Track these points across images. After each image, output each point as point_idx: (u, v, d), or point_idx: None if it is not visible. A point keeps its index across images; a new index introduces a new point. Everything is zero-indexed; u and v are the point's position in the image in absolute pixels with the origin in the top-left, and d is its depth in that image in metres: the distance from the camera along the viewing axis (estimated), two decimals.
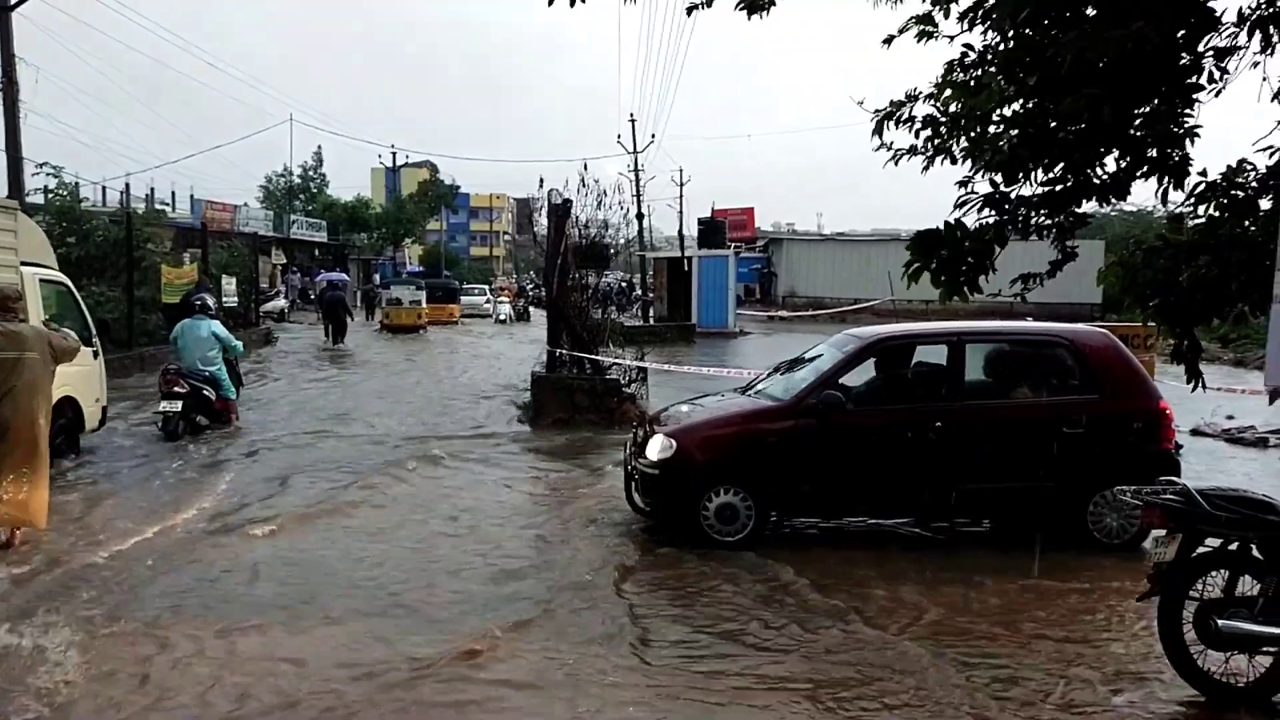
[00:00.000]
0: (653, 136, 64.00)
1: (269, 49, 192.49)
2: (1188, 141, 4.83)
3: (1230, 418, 14.11)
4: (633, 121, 45.84)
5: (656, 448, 8.02)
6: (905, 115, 5.45)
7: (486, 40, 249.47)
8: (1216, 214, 4.92)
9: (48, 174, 21.34)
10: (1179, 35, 4.64)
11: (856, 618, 6.23)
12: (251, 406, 14.53)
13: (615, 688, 5.11)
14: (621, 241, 18.61)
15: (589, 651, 5.57)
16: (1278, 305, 4.30)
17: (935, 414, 7.91)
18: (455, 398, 16.58)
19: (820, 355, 8.74)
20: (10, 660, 5.29)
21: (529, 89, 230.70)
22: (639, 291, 44.39)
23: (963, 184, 5.51)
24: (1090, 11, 4.85)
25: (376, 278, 50.67)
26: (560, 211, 14.42)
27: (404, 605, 6.33)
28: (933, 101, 5.39)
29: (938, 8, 5.41)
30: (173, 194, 41.60)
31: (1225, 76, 4.73)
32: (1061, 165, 5.24)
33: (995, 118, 5.30)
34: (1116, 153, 5.11)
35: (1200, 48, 4.71)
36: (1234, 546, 5.01)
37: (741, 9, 5.92)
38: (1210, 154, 5.00)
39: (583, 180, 14.71)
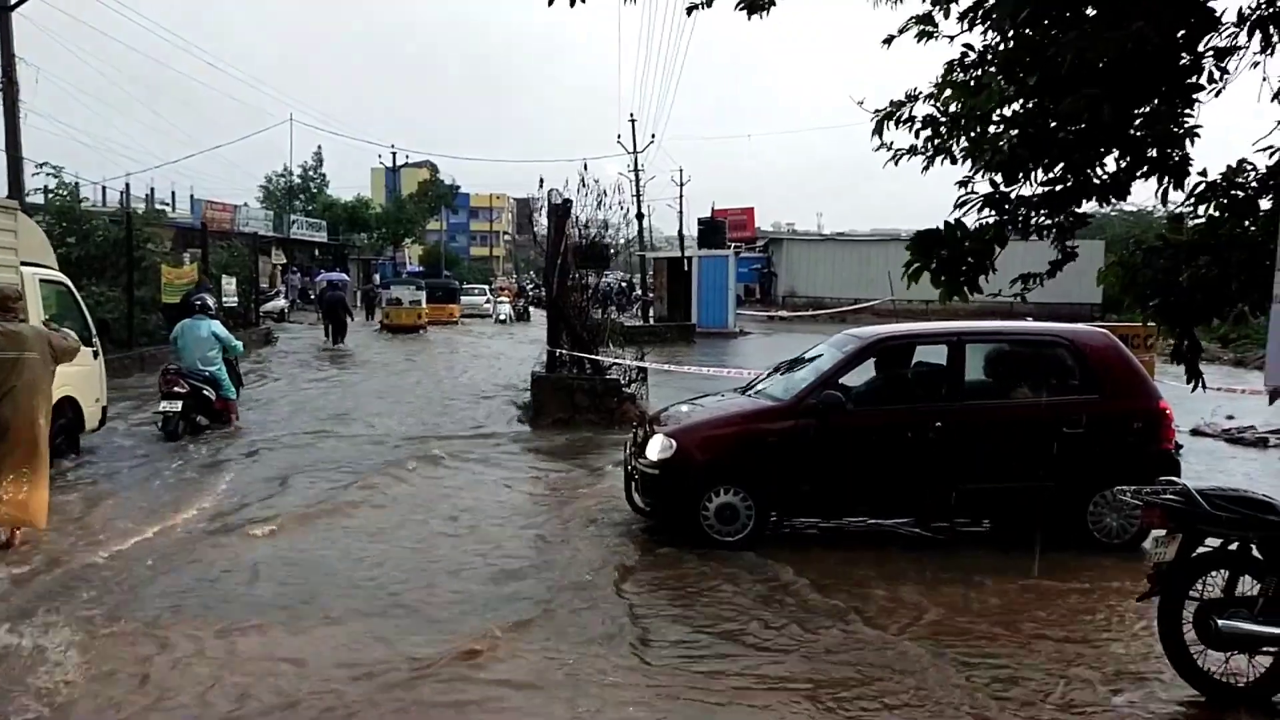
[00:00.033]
0: (653, 136, 64.19)
1: (269, 49, 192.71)
2: (1188, 141, 4.83)
3: (1230, 418, 14.11)
4: (633, 121, 45.90)
5: (656, 448, 8.02)
6: (905, 115, 5.45)
7: (486, 40, 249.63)
8: (1216, 214, 4.93)
9: (48, 174, 21.39)
10: (1179, 35, 4.64)
11: (856, 618, 6.23)
12: (251, 406, 14.54)
13: (615, 688, 5.11)
14: (621, 241, 18.62)
15: (589, 651, 5.57)
16: (1278, 305, 4.30)
17: (935, 414, 7.91)
18: (455, 398, 16.59)
19: (820, 355, 8.74)
20: (10, 660, 5.29)
21: (529, 89, 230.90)
22: (639, 291, 44.42)
23: (963, 184, 5.51)
24: (1090, 12, 4.85)
25: (376, 278, 50.67)
26: (560, 211, 14.43)
27: (404, 605, 6.33)
28: (933, 102, 5.39)
29: (938, 8, 5.41)
30: (173, 194, 41.67)
31: (1225, 76, 4.73)
32: (1061, 165, 5.24)
33: (995, 118, 5.30)
34: (1116, 153, 5.11)
35: (1200, 48, 4.72)
36: (1234, 546, 5.01)
37: (741, 9, 5.92)
38: (1211, 154, 5.00)
39: (582, 180, 14.74)
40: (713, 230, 41.47)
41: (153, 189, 38.95)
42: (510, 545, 7.81)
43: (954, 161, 5.41)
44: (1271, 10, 4.58)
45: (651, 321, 35.25)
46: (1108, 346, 8.25)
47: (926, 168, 5.49)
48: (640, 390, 14.26)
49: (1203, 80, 4.75)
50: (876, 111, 5.50)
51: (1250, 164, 4.87)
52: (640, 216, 43.52)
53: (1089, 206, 5.57)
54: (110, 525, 8.06)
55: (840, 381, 8.12)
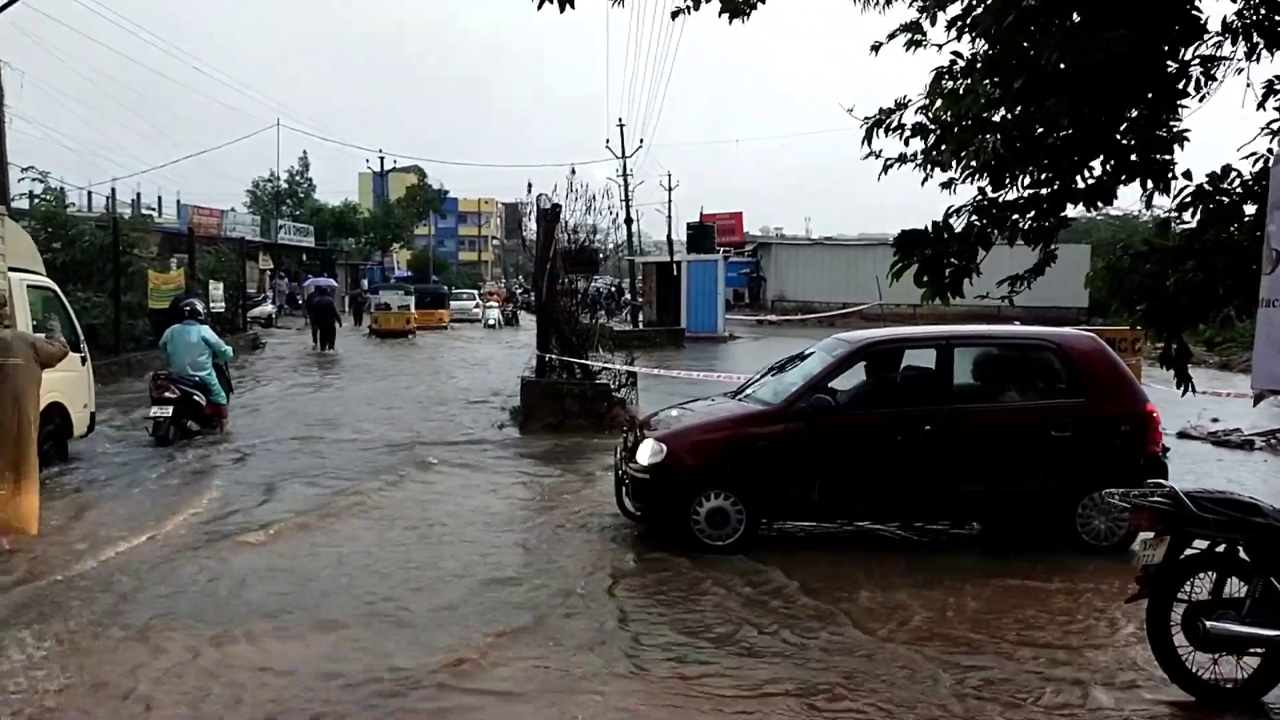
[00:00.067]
0: (641, 141, 63.87)
1: (256, 54, 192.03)
2: (1177, 146, 4.88)
3: (1215, 420, 14.20)
4: (621, 126, 45.60)
5: (647, 452, 8.03)
6: (895, 123, 5.49)
7: (474, 45, 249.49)
8: (1202, 220, 4.98)
9: (33, 179, 21.26)
10: (1164, 43, 4.69)
11: (847, 621, 6.25)
12: (241, 412, 14.48)
13: (606, 695, 5.10)
14: (610, 246, 18.65)
15: (580, 658, 5.56)
16: (1263, 309, 4.34)
17: (924, 417, 7.94)
18: (444, 403, 16.56)
19: (809, 359, 8.78)
20: None
21: (517, 94, 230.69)
22: (628, 296, 44.39)
23: (946, 185, 5.55)
24: (1075, 19, 4.90)
25: (364, 283, 50.57)
26: (549, 216, 14.44)
27: (393, 613, 6.29)
28: (925, 113, 5.43)
29: (925, 15, 5.46)
30: (159, 199, 41.55)
31: (1211, 84, 4.79)
32: (1047, 170, 5.29)
33: (983, 121, 5.35)
34: (1101, 158, 5.16)
35: (1187, 56, 4.77)
36: (1221, 548, 5.05)
37: (723, 14, 5.97)
38: (1198, 158, 5.05)
39: (571, 185, 14.76)
40: (701, 235, 41.49)
41: (139, 194, 38.91)
42: (500, 551, 7.80)
43: (944, 169, 5.45)
44: (1255, 18, 4.63)
45: (641, 326, 35.22)
46: (1095, 350, 8.30)
47: (925, 180, 5.53)
48: (630, 395, 14.26)
49: (1189, 88, 4.80)
50: (866, 119, 5.53)
51: (1235, 169, 4.92)
52: (629, 221, 43.45)
53: (1074, 211, 5.62)
54: (99, 532, 8.00)
55: (830, 385, 8.13)
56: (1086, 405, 7.97)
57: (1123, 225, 43.40)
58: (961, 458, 7.87)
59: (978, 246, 5.44)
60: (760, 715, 4.91)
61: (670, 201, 51.20)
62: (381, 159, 63.20)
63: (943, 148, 5.36)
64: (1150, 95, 4.86)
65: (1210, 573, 5.08)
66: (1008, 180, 5.37)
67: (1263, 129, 4.92)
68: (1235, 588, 5.02)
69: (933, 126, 5.42)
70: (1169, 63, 4.76)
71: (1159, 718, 5.01)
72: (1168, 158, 5.00)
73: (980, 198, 5.40)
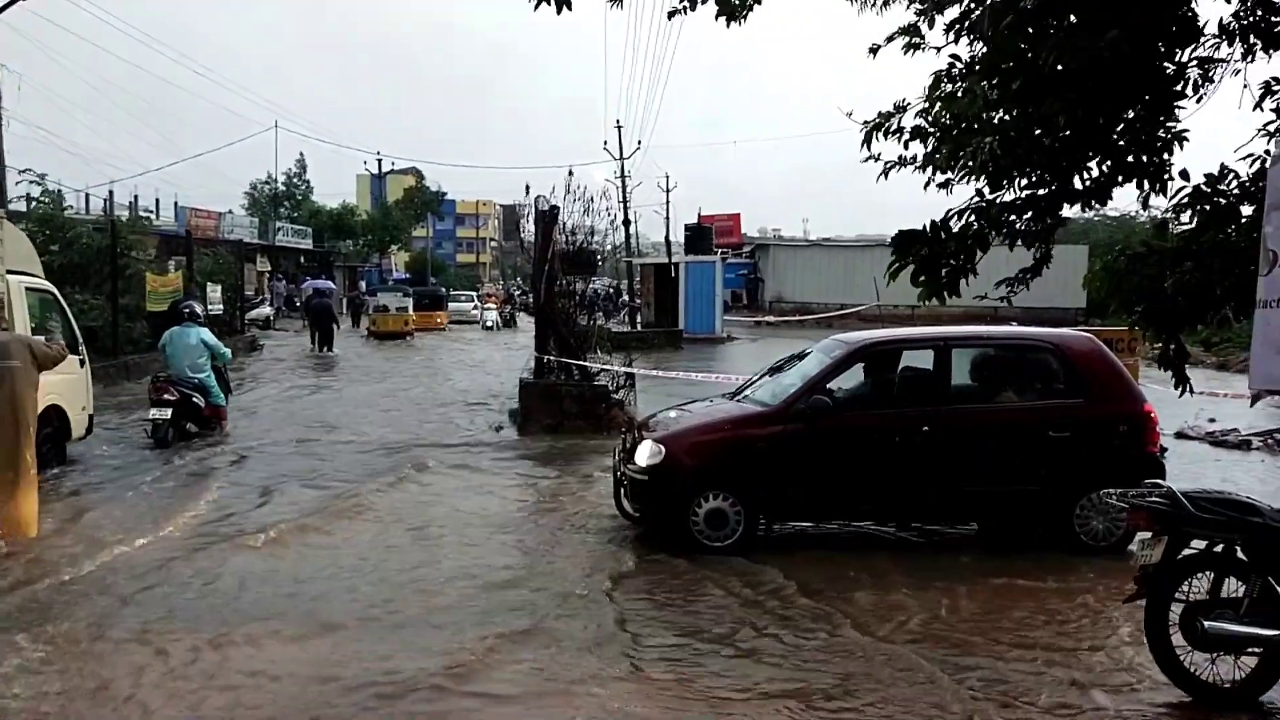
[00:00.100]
0: (639, 143, 64.14)
1: (255, 56, 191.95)
2: (1177, 146, 4.89)
3: (1212, 420, 14.23)
4: (619, 128, 45.59)
5: (645, 453, 8.03)
6: (894, 126, 5.50)
7: (472, 47, 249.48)
8: (1200, 221, 4.99)
9: (31, 181, 21.25)
10: (1160, 45, 4.71)
11: (845, 621, 6.25)
12: (239, 414, 14.47)
13: (604, 697, 5.09)
14: (608, 248, 18.66)
15: (579, 660, 5.56)
16: (1261, 309, 4.35)
17: (922, 418, 7.95)
18: (443, 405, 16.56)
19: (808, 360, 8.79)
20: None
21: (515, 96, 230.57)
22: (626, 298, 44.40)
23: (944, 186, 5.57)
24: (1073, 20, 4.91)
25: (362, 285, 50.57)
26: (547, 218, 14.45)
27: (391, 616, 6.28)
28: (924, 116, 5.45)
29: (923, 19, 5.47)
30: (156, 201, 41.43)
31: (1209, 85, 4.80)
32: (1045, 171, 5.30)
33: (980, 124, 5.36)
34: (1098, 158, 5.18)
35: (1184, 57, 4.78)
36: (1219, 548, 5.06)
37: (719, 16, 5.99)
38: (1195, 159, 5.06)
39: (568, 187, 14.77)
40: (699, 236, 41.53)
41: (136, 196, 38.78)
42: (499, 553, 7.80)
43: (942, 171, 5.46)
44: (1252, 20, 4.65)
45: (639, 327, 35.24)
46: (1092, 351, 8.31)
47: (928, 184, 5.54)
48: (628, 396, 14.27)
49: (1187, 89, 4.81)
50: (865, 123, 5.55)
51: (1232, 171, 4.94)
52: (627, 223, 43.48)
53: (1071, 212, 5.64)
54: (97, 535, 7.99)
55: (828, 386, 8.14)
56: (1084, 406, 7.98)
57: (1120, 226, 43.49)
58: (960, 458, 7.88)
59: (975, 247, 5.46)
60: (758, 716, 4.91)
61: (668, 203, 51.25)
62: (379, 161, 63.22)
63: (941, 150, 5.37)
64: (1147, 96, 4.87)
65: (1208, 573, 5.10)
66: (1005, 181, 5.38)
67: (1260, 130, 4.93)
68: (1233, 587, 5.03)
69: (932, 129, 5.44)
70: (1166, 64, 4.78)
71: (1157, 718, 5.02)
72: (1165, 159, 5.02)
73: (978, 199, 5.41)
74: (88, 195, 37.82)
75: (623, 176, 44.52)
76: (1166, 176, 5.04)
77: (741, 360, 23.41)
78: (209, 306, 22.07)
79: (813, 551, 7.95)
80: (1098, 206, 5.54)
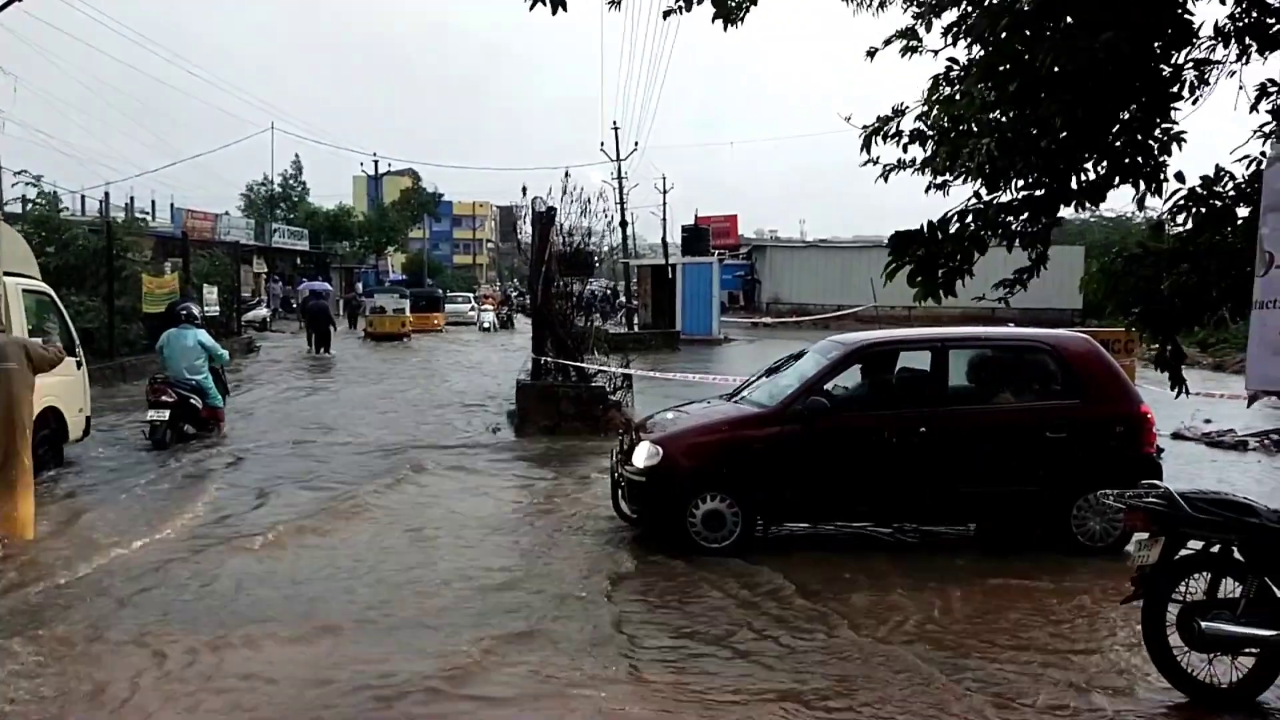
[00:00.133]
0: (635, 144, 63.94)
1: (250, 57, 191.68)
2: (1174, 147, 4.90)
3: (1209, 421, 14.25)
4: (616, 129, 45.66)
5: (643, 455, 8.03)
6: (893, 130, 5.51)
7: (468, 48, 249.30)
8: (1196, 223, 5.00)
9: (26, 183, 21.24)
10: (1156, 46, 4.72)
11: (843, 622, 6.26)
12: (236, 416, 14.46)
13: (601, 699, 5.09)
14: (605, 249, 18.65)
15: (576, 662, 5.55)
16: (1257, 310, 4.36)
17: (919, 419, 7.96)
18: (440, 406, 16.56)
19: (805, 361, 8.79)
20: None
21: (512, 97, 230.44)
22: (623, 299, 44.41)
23: (940, 188, 5.58)
24: (1069, 22, 4.92)
25: (359, 286, 50.54)
26: (544, 219, 14.46)
27: (388, 618, 6.27)
28: (923, 119, 5.45)
29: (920, 22, 5.48)
30: (153, 203, 41.38)
31: (1204, 87, 4.81)
32: (1041, 172, 5.31)
33: (976, 125, 5.37)
34: (1094, 159, 5.19)
35: (1180, 59, 4.79)
36: (1216, 549, 5.06)
37: (716, 19, 5.99)
38: (1191, 160, 5.07)
39: (565, 189, 14.77)
40: (696, 237, 41.55)
41: (132, 198, 38.67)
42: (496, 555, 7.80)
43: (940, 173, 5.47)
44: (1246, 22, 4.66)
45: (636, 329, 35.23)
46: (1089, 351, 8.32)
47: (929, 188, 5.55)
48: (626, 397, 14.27)
49: (1183, 90, 4.82)
50: (864, 127, 5.56)
51: (1228, 172, 4.95)
52: (624, 224, 43.53)
53: (1068, 212, 5.65)
54: (94, 537, 7.98)
55: (825, 387, 8.15)
56: (1081, 406, 8.00)
57: (1116, 227, 43.61)
58: (957, 459, 7.89)
59: (973, 249, 5.46)
60: (756, 718, 4.91)
61: (665, 204, 51.19)
62: (376, 162, 63.28)
63: (940, 152, 5.38)
64: (1144, 98, 4.89)
65: (1205, 573, 5.11)
66: (1002, 183, 5.39)
67: (1255, 132, 4.95)
68: (1230, 588, 5.04)
69: (930, 133, 5.45)
70: (1163, 66, 4.79)
71: (1154, 718, 5.03)
72: (1161, 160, 5.03)
73: (975, 200, 5.42)
74: (83, 197, 37.81)
75: (620, 178, 44.59)
76: (1162, 178, 5.05)
77: (739, 361, 23.42)
78: (205, 308, 22.06)
79: (810, 552, 7.95)
80: (1092, 207, 5.54)
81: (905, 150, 5.54)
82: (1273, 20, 4.75)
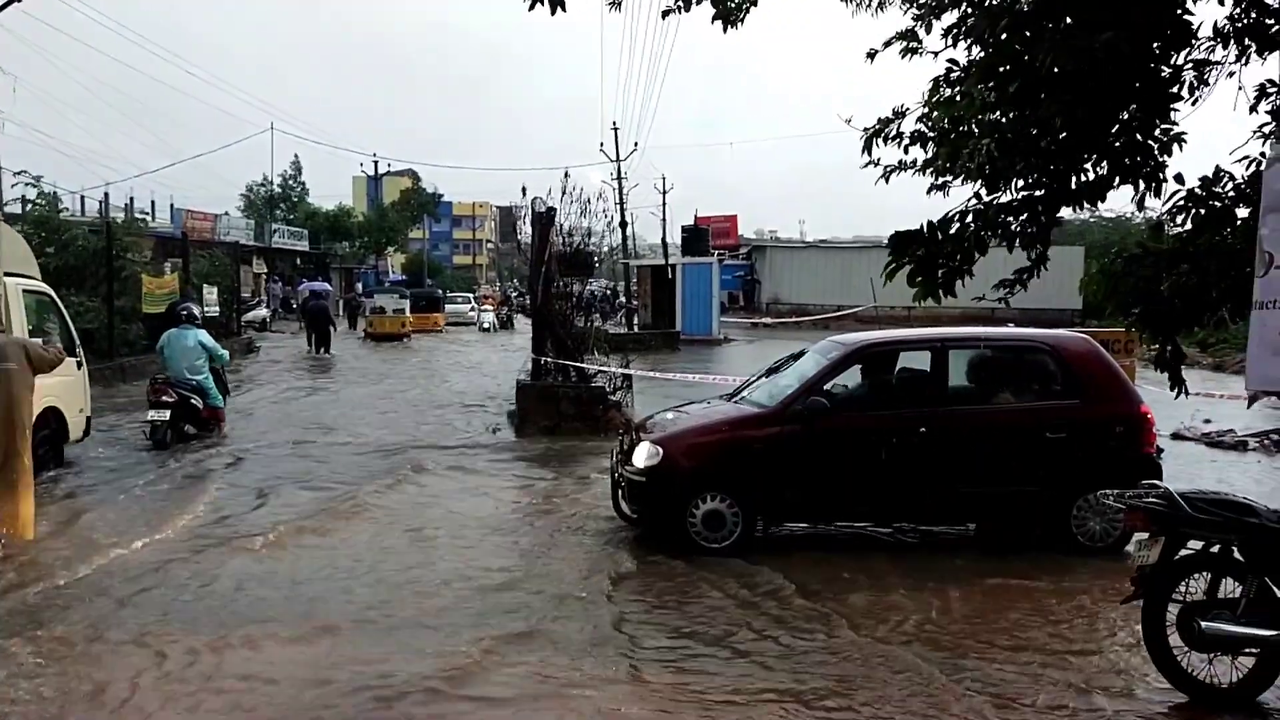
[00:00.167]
0: (635, 144, 64.02)
1: (250, 58, 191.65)
2: (1176, 146, 4.90)
3: (1208, 421, 14.25)
4: (615, 130, 45.67)
5: (643, 455, 8.03)
6: (894, 132, 5.51)
7: (468, 48, 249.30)
8: (1195, 223, 5.00)
9: (26, 183, 21.23)
10: (1155, 47, 4.72)
11: (843, 622, 6.26)
12: (236, 416, 14.46)
13: (600, 699, 5.09)
14: (605, 249, 18.65)
15: (575, 662, 5.55)
16: (1257, 311, 4.37)
17: (919, 419, 7.96)
18: (440, 406, 16.56)
19: (805, 362, 8.80)
20: None
21: (511, 97, 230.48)
22: (623, 299, 44.41)
23: (940, 188, 5.58)
24: (1069, 22, 4.92)
25: (359, 286, 50.55)
26: (544, 220, 14.46)
27: (388, 619, 6.27)
28: (924, 123, 5.45)
29: (920, 23, 5.48)
30: (152, 203, 41.36)
31: (1204, 88, 4.81)
32: (1041, 173, 5.31)
33: (976, 126, 5.37)
34: (1094, 159, 5.19)
35: (1179, 60, 4.79)
36: (1216, 549, 5.07)
37: (715, 20, 5.99)
38: (1191, 161, 5.07)
39: (564, 189, 14.77)
40: (696, 238, 41.55)
41: (132, 198, 38.70)
42: (496, 555, 7.80)
43: (941, 174, 5.47)
44: (1246, 23, 4.66)
45: (636, 329, 35.24)
46: (1089, 352, 8.33)
47: (931, 190, 5.55)
48: (625, 398, 14.27)
49: (1183, 91, 4.82)
50: (865, 129, 5.56)
51: (1227, 173, 4.95)
52: (624, 224, 43.54)
53: (1067, 212, 5.65)
54: (94, 537, 7.98)
55: (825, 388, 8.15)
56: (1081, 407, 8.00)
57: (1116, 227, 43.61)
58: (957, 459, 7.89)
59: (973, 250, 5.46)
60: (756, 718, 4.91)
61: (665, 204, 51.18)
62: (376, 162, 63.32)
63: (940, 151, 5.39)
64: (1143, 98, 4.89)
65: (1205, 573, 5.11)
66: (1002, 183, 5.39)
67: (1255, 132, 4.95)
68: (1230, 588, 5.04)
69: (932, 134, 5.45)
70: (1162, 67, 4.79)
71: (1154, 718, 5.03)
72: (1161, 160, 5.03)
73: (975, 201, 5.42)
74: (83, 197, 37.78)
75: (619, 178, 44.60)
76: (1162, 178, 5.05)
77: (738, 361, 23.42)
78: (205, 309, 22.07)
79: (810, 553, 7.95)
80: (1089, 206, 5.55)
81: (906, 152, 5.54)
82: (1272, 21, 4.76)
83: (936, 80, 5.43)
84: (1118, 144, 5.06)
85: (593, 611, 6.47)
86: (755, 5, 6.02)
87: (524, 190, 15.77)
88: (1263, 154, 4.79)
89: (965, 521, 8.51)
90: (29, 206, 21.26)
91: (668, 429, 8.50)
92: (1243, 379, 4.76)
